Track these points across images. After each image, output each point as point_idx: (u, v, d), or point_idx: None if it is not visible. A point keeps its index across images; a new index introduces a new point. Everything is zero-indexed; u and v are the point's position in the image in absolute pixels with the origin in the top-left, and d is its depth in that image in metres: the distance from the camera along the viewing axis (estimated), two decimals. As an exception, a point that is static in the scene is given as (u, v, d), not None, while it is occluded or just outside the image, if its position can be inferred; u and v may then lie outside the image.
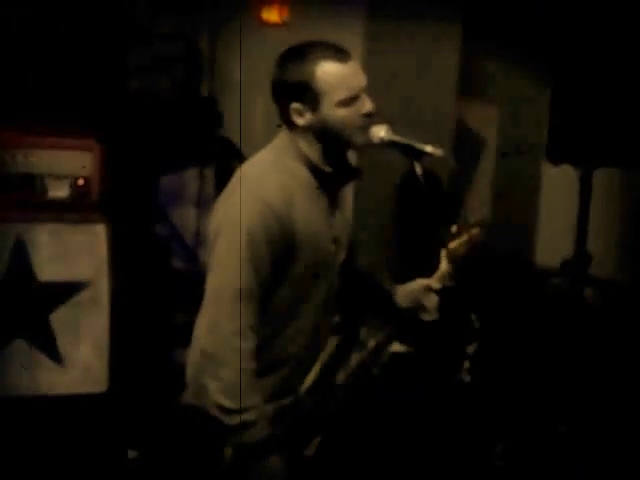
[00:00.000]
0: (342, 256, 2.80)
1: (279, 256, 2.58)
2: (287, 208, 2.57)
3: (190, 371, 2.65)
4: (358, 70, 2.62)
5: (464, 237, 2.85)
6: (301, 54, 2.60)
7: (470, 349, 3.09)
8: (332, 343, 2.78)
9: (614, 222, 5.54)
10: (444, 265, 2.83)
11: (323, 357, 2.75)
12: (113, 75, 5.21)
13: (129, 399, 4.32)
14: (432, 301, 2.86)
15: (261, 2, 5.78)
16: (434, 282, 2.84)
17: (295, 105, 2.60)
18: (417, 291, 2.88)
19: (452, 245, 2.84)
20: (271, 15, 5.75)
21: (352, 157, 2.78)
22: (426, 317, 2.88)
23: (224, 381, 2.53)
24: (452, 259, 2.83)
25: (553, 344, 4.71)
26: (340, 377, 2.77)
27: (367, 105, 2.62)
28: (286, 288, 2.63)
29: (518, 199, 6.18)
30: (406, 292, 2.91)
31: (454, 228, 2.84)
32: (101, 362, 4.27)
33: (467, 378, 3.24)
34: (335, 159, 2.67)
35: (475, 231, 2.88)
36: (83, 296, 4.23)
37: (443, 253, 2.83)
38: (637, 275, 5.39)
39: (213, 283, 2.60)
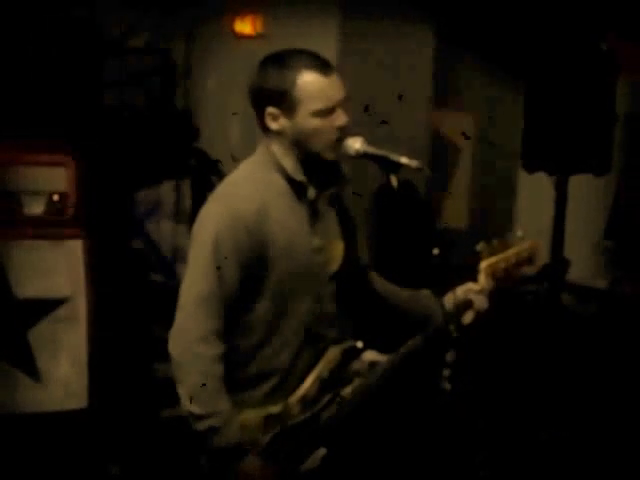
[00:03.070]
0: (333, 266, 2.74)
1: (250, 267, 2.59)
2: (259, 219, 2.58)
3: None
4: (338, 84, 2.63)
5: (508, 252, 2.69)
6: (285, 61, 2.62)
7: (449, 357, 3.07)
8: (333, 354, 2.74)
9: (591, 228, 5.57)
10: (482, 280, 2.68)
11: (320, 368, 2.72)
12: (88, 90, 5.20)
13: (110, 414, 4.31)
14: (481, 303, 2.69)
15: (235, 14, 5.79)
16: (478, 299, 2.68)
17: (271, 109, 2.62)
18: (465, 293, 2.71)
19: (492, 260, 2.68)
20: (245, 27, 5.76)
21: (337, 166, 2.76)
22: (467, 320, 2.71)
23: (189, 387, 2.56)
24: (493, 275, 2.67)
25: (532, 350, 4.72)
26: (346, 391, 2.73)
27: (341, 119, 2.62)
28: (265, 300, 2.63)
29: (495, 206, 6.20)
30: (455, 296, 2.72)
31: (495, 242, 2.67)
32: (80, 378, 4.24)
33: (447, 386, 3.24)
34: (310, 168, 2.67)
35: (527, 246, 2.70)
36: (61, 312, 4.21)
37: (482, 267, 2.67)
38: (614, 280, 5.42)
39: (182, 288, 2.64)
